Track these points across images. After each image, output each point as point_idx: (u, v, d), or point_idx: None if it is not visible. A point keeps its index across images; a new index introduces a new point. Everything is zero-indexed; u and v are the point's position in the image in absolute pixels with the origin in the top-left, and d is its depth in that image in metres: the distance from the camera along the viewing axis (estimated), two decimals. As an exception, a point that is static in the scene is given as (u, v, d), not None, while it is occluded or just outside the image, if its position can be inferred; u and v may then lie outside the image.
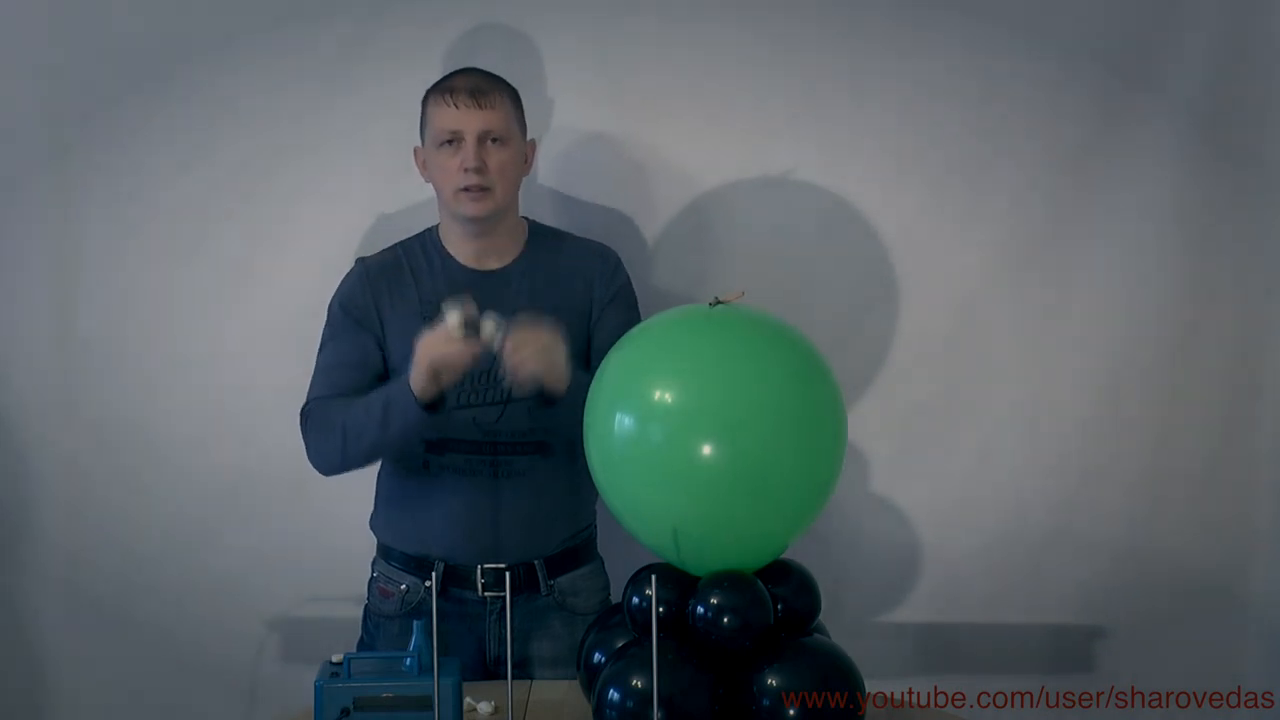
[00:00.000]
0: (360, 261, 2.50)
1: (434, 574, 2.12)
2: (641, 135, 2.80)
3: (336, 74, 2.78)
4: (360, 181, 2.80)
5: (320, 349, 2.47)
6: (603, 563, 2.59)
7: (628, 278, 2.54)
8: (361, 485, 2.59)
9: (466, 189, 2.37)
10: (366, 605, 2.56)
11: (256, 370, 2.83)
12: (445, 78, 2.45)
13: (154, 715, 2.91)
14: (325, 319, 2.48)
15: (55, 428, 2.87)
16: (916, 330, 2.85)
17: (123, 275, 2.84)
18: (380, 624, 2.51)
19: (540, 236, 2.51)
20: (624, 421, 2.10)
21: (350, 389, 2.40)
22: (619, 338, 2.21)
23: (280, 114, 2.79)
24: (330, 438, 2.37)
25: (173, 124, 2.80)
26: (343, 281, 2.49)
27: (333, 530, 2.81)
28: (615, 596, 2.54)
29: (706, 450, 2.03)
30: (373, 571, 2.55)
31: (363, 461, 2.42)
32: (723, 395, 2.06)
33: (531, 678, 2.42)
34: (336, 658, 2.13)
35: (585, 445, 2.19)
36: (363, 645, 2.54)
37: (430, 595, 2.42)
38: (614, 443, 2.11)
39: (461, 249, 2.45)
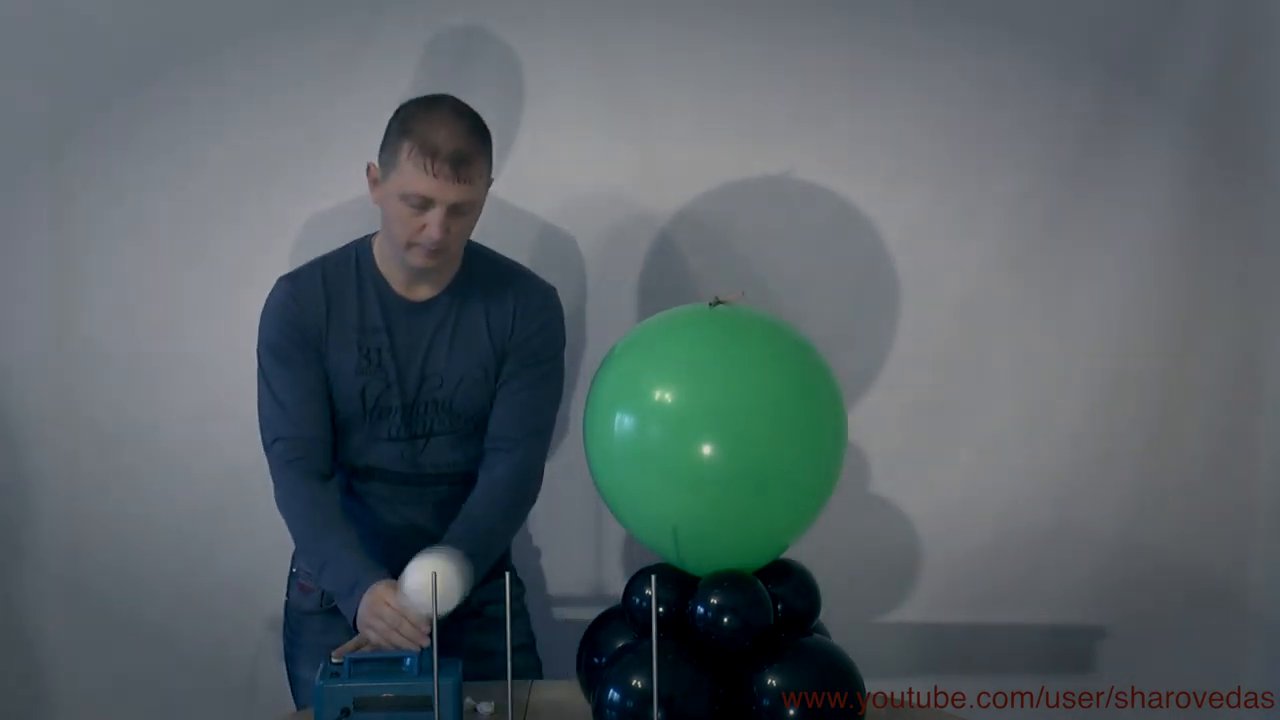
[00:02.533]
0: (281, 282, 2.41)
1: (434, 576, 2.10)
2: (641, 135, 2.80)
3: (336, 74, 2.78)
4: (360, 181, 2.79)
5: (267, 379, 2.39)
6: (515, 569, 2.58)
7: (554, 318, 2.45)
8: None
9: (422, 246, 2.29)
10: (287, 601, 2.54)
11: (256, 370, 2.82)
12: (423, 121, 2.25)
13: (154, 715, 2.91)
14: (258, 346, 2.40)
15: (55, 427, 2.86)
16: (916, 330, 2.85)
17: (123, 275, 2.83)
18: (302, 620, 2.49)
19: (476, 263, 2.43)
20: (624, 421, 2.10)
21: (311, 420, 2.36)
22: (523, 388, 2.34)
23: (280, 114, 2.79)
24: (288, 522, 2.37)
25: (172, 124, 2.79)
26: (271, 303, 2.40)
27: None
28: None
29: (706, 450, 2.03)
30: (293, 567, 2.54)
31: None
32: (723, 395, 2.06)
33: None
34: (336, 658, 2.13)
35: (585, 445, 2.19)
36: (285, 641, 2.53)
37: None
38: (614, 443, 2.12)
39: (395, 275, 2.39)
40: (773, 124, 2.80)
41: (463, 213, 2.27)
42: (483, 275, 2.42)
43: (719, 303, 2.14)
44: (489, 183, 2.34)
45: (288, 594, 2.55)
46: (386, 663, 2.12)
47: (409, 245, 2.29)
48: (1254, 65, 2.78)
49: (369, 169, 2.34)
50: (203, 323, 2.83)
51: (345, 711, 2.06)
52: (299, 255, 2.78)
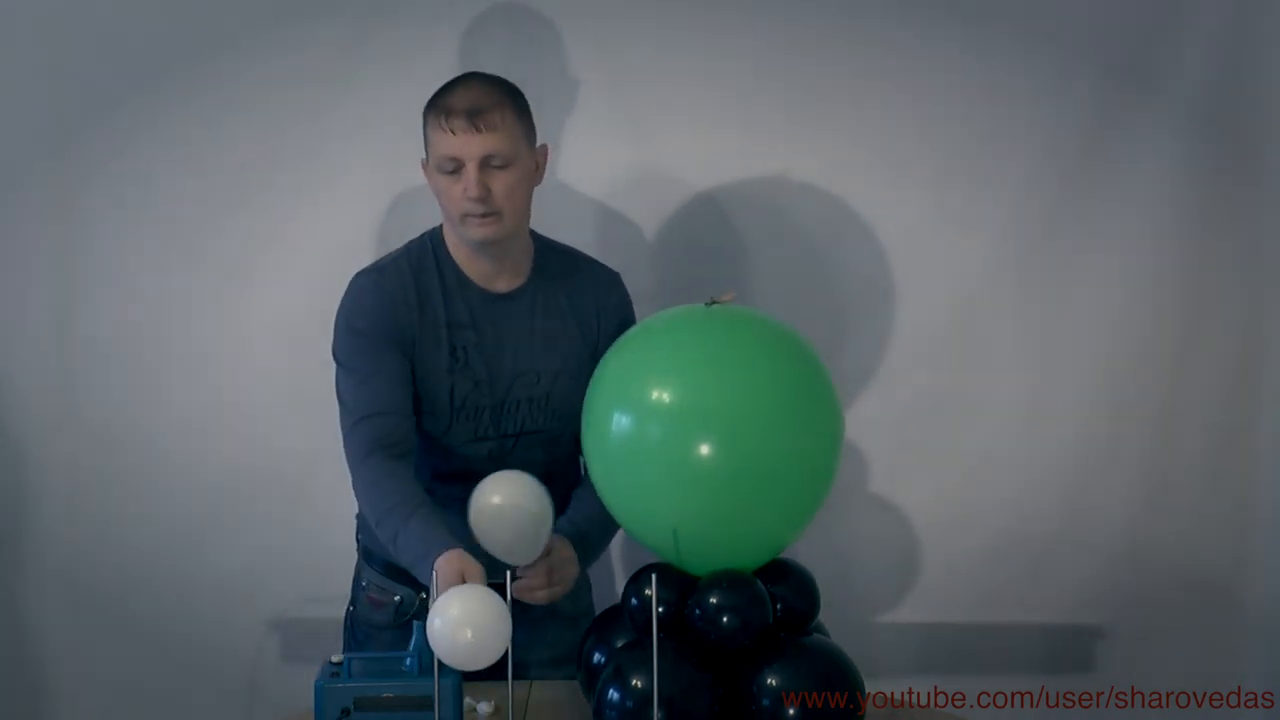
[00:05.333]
0: (366, 275, 2.37)
1: (432, 581, 2.09)
2: (640, 135, 2.80)
3: (336, 74, 2.78)
4: (361, 182, 2.80)
5: (348, 366, 2.32)
6: None
7: (630, 306, 2.49)
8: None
9: (472, 214, 2.29)
10: (352, 614, 2.50)
11: (257, 370, 2.83)
12: (443, 91, 2.31)
13: (154, 715, 2.91)
14: (336, 339, 2.35)
15: (55, 427, 2.86)
16: (916, 330, 2.84)
17: (123, 275, 2.83)
18: (371, 635, 2.45)
19: (548, 254, 2.44)
20: (623, 421, 2.10)
21: (394, 403, 2.29)
22: None
23: (280, 114, 2.79)
24: (364, 503, 2.30)
25: (173, 124, 2.80)
26: (352, 298, 2.35)
27: (333, 530, 2.80)
28: (596, 593, 2.57)
29: (706, 450, 2.03)
30: (360, 579, 2.49)
31: None
32: (722, 395, 2.06)
33: (531, 679, 2.41)
34: (336, 658, 2.13)
35: (584, 445, 2.19)
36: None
37: (425, 607, 2.40)
38: (613, 442, 2.12)
39: (472, 266, 2.38)
40: (770, 123, 2.80)
41: (495, 165, 2.27)
42: (559, 267, 2.44)
43: (714, 303, 2.14)
44: (534, 144, 2.35)
45: (354, 605, 2.50)
46: (386, 662, 2.12)
47: (463, 219, 2.30)
48: (1254, 65, 2.78)
49: (422, 166, 2.36)
50: (203, 323, 2.83)
51: (345, 711, 2.05)
52: (299, 254, 2.79)
